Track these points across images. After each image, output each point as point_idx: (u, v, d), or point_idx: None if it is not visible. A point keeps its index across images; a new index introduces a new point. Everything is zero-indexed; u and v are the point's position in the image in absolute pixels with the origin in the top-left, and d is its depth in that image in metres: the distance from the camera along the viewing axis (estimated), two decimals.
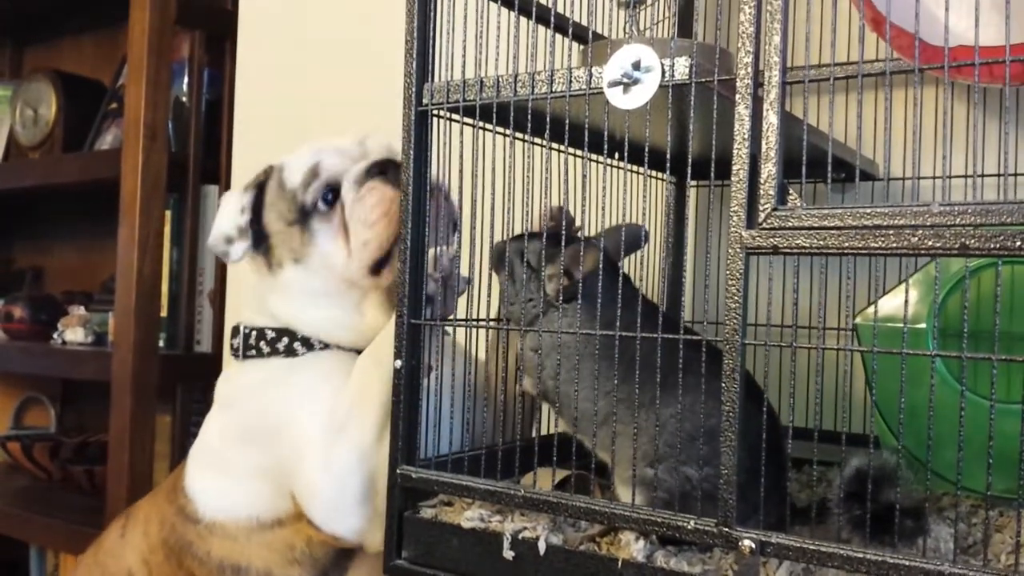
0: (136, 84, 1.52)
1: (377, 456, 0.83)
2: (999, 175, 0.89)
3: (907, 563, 0.55)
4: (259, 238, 0.93)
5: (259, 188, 0.94)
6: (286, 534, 0.87)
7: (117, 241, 1.53)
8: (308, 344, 0.92)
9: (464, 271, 0.82)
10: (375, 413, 0.84)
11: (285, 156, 0.95)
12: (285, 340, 0.92)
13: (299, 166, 0.93)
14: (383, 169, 0.90)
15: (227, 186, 1.59)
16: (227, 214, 0.93)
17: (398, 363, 0.75)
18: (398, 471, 0.75)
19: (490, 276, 0.82)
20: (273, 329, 0.92)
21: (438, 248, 0.78)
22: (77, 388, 2.10)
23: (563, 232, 0.75)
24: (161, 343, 1.59)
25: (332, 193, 0.91)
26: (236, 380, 0.95)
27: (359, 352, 0.90)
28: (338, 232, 0.90)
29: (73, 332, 1.76)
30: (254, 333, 0.93)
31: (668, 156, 0.81)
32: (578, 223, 0.82)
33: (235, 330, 0.95)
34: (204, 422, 0.97)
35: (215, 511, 0.91)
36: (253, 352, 0.93)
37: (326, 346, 0.92)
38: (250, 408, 0.91)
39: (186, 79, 1.65)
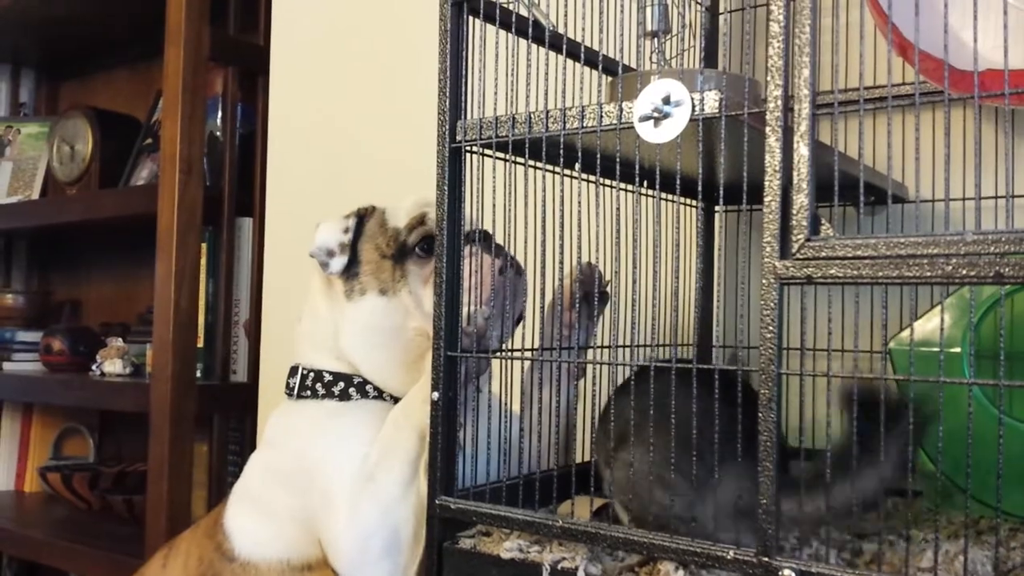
0: (171, 120, 1.55)
1: (402, 510, 0.85)
2: None
3: None
4: (348, 264, 0.96)
5: (360, 218, 0.98)
6: None
7: (153, 273, 1.56)
8: (363, 391, 0.94)
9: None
10: (402, 467, 0.86)
11: (387, 203, 1.00)
12: (341, 385, 0.94)
13: (405, 211, 0.97)
14: (483, 236, 0.91)
15: (261, 218, 1.61)
16: (331, 232, 0.96)
17: (435, 395, 0.76)
18: (437, 502, 0.76)
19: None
20: (331, 373, 0.94)
21: (472, 307, 0.80)
22: (115, 418, 2.13)
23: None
24: (198, 373, 1.61)
25: (431, 244, 0.94)
26: (284, 420, 0.97)
27: None
28: (429, 279, 0.93)
29: (111, 364, 1.78)
30: (312, 375, 0.95)
31: (700, 185, 0.82)
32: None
33: (293, 370, 0.97)
34: (250, 459, 0.99)
35: (250, 551, 0.93)
36: (307, 393, 0.95)
37: (380, 395, 0.94)
38: (290, 449, 0.93)
39: (220, 114, 1.68)
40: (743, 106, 0.64)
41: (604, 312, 0.96)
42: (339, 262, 0.95)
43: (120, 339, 1.84)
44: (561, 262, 0.74)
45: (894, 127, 0.97)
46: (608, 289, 0.91)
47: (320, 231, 0.97)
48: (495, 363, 0.91)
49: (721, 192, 0.68)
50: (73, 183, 1.97)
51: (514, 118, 0.73)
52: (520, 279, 0.90)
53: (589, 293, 0.89)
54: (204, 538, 0.98)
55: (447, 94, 0.75)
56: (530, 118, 0.73)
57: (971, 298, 0.63)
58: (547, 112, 0.72)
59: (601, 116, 0.69)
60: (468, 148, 0.76)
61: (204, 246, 1.63)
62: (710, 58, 1.05)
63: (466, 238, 0.91)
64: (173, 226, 1.53)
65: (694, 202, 1.03)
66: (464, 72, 0.76)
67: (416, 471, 0.86)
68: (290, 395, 0.96)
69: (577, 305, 0.89)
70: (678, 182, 0.67)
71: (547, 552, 0.72)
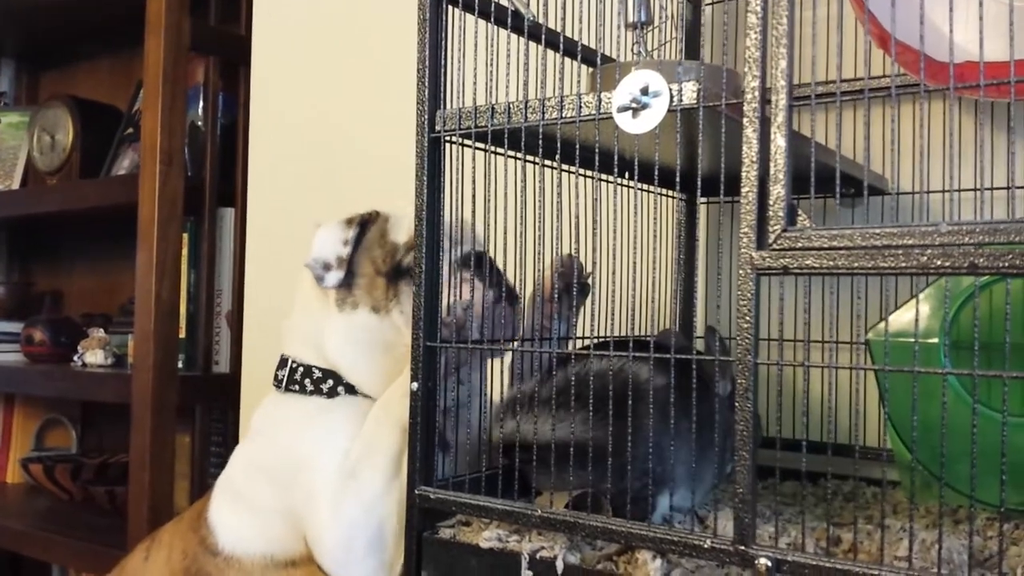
0: (152, 110, 1.54)
1: (386, 506, 0.84)
2: (1008, 188, 0.89)
3: None
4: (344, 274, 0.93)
5: (362, 227, 0.94)
6: (300, 575, 0.89)
7: (135, 263, 1.55)
8: (351, 391, 0.93)
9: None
10: (385, 463, 0.86)
11: (392, 209, 0.96)
12: (330, 382, 0.93)
13: (407, 227, 0.93)
14: (478, 261, 0.89)
15: (243, 208, 1.61)
16: (329, 242, 0.93)
17: (414, 385, 0.76)
18: (416, 492, 0.76)
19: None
20: (321, 369, 0.93)
21: (452, 298, 0.80)
22: (97, 409, 2.12)
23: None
24: (180, 364, 1.60)
25: None
26: (272, 412, 0.96)
27: None
28: None
29: (93, 354, 1.78)
30: (301, 369, 0.94)
31: (678, 175, 0.82)
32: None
33: (283, 361, 0.96)
34: (235, 451, 0.98)
35: (234, 545, 0.92)
36: (296, 387, 0.94)
37: (368, 396, 0.93)
38: (276, 443, 0.93)
39: (201, 104, 1.67)
40: (722, 97, 0.64)
41: (585, 304, 0.96)
42: (335, 276, 0.92)
43: (101, 330, 1.84)
44: (540, 253, 0.74)
45: (875, 119, 0.97)
46: (588, 281, 0.91)
47: (318, 237, 0.93)
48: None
49: (699, 183, 0.68)
50: (54, 173, 1.95)
51: (493, 108, 0.73)
52: (513, 310, 0.88)
53: (569, 285, 0.89)
54: (188, 531, 0.98)
55: (426, 84, 0.75)
56: (509, 108, 0.73)
57: (946, 287, 0.64)
58: (526, 102, 0.72)
59: (580, 106, 0.69)
60: (447, 138, 0.76)
61: (186, 236, 1.62)
62: (692, 50, 1.05)
63: (465, 261, 0.89)
64: (154, 217, 1.52)
65: (676, 194, 1.04)
66: (444, 62, 0.76)
67: (399, 465, 0.86)
68: (278, 387, 0.95)
69: (557, 297, 0.89)
70: (656, 173, 0.67)
71: (526, 542, 0.72)
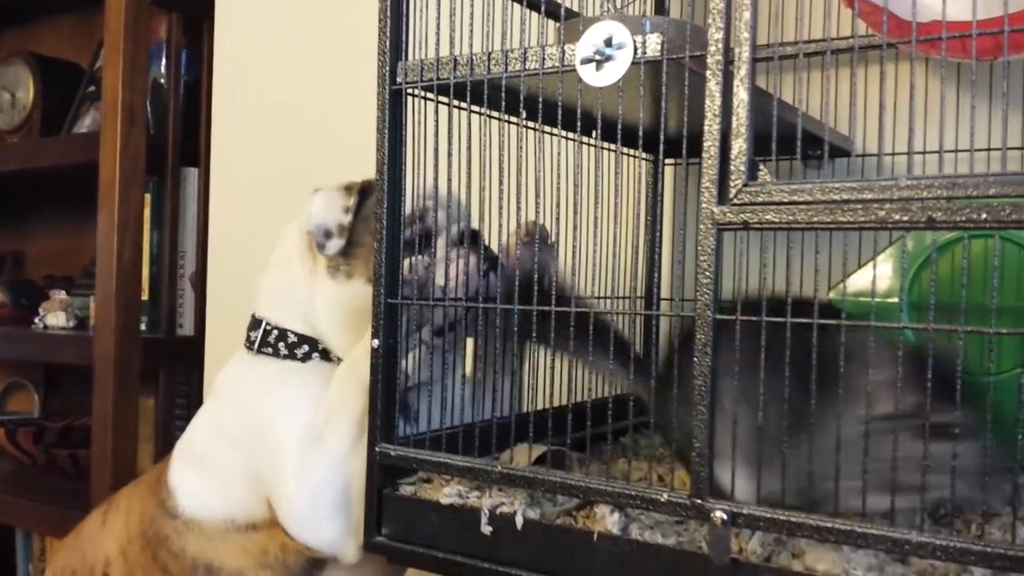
0: (113, 67, 1.51)
1: (352, 466, 0.83)
2: (970, 150, 0.89)
3: (875, 532, 0.56)
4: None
5: (362, 195, 0.92)
6: (260, 538, 0.88)
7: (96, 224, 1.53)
8: (326, 356, 0.92)
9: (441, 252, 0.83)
10: (351, 423, 0.84)
11: None
12: (305, 348, 0.91)
13: (408, 198, 0.92)
14: (473, 238, 0.88)
15: (207, 168, 1.58)
16: (331, 208, 0.91)
17: (375, 342, 0.75)
18: (377, 449, 0.75)
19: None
20: (297, 334, 0.92)
21: (414, 257, 0.79)
22: (61, 372, 2.10)
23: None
24: (143, 327, 1.59)
25: (427, 242, 0.89)
26: (240, 372, 0.94)
27: None
28: None
29: (55, 317, 1.75)
30: (276, 332, 0.92)
31: (641, 133, 0.81)
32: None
33: (256, 322, 0.94)
34: (199, 411, 0.97)
35: (193, 508, 0.91)
36: (268, 350, 0.92)
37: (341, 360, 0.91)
38: (242, 405, 0.91)
39: (164, 61, 1.64)
40: (686, 50, 0.64)
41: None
42: (336, 244, 0.90)
43: (63, 292, 1.81)
44: (503, 210, 0.73)
45: (843, 80, 0.97)
46: (553, 247, 0.90)
47: (316, 204, 0.91)
48: None
49: (661, 140, 0.67)
50: (14, 131, 1.92)
51: (455, 60, 0.72)
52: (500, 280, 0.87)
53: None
54: (146, 494, 0.97)
55: (387, 34, 0.74)
56: (471, 60, 0.72)
57: (904, 245, 0.64)
58: (489, 54, 0.71)
59: (543, 59, 0.68)
60: (409, 91, 0.75)
61: (148, 197, 1.60)
62: (660, 8, 1.04)
63: (462, 237, 0.87)
64: (116, 176, 1.50)
65: (643, 153, 1.03)
66: (405, 12, 0.74)
67: (364, 426, 0.85)
68: (249, 348, 0.94)
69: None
70: (619, 127, 0.67)
71: (486, 498, 0.72)
